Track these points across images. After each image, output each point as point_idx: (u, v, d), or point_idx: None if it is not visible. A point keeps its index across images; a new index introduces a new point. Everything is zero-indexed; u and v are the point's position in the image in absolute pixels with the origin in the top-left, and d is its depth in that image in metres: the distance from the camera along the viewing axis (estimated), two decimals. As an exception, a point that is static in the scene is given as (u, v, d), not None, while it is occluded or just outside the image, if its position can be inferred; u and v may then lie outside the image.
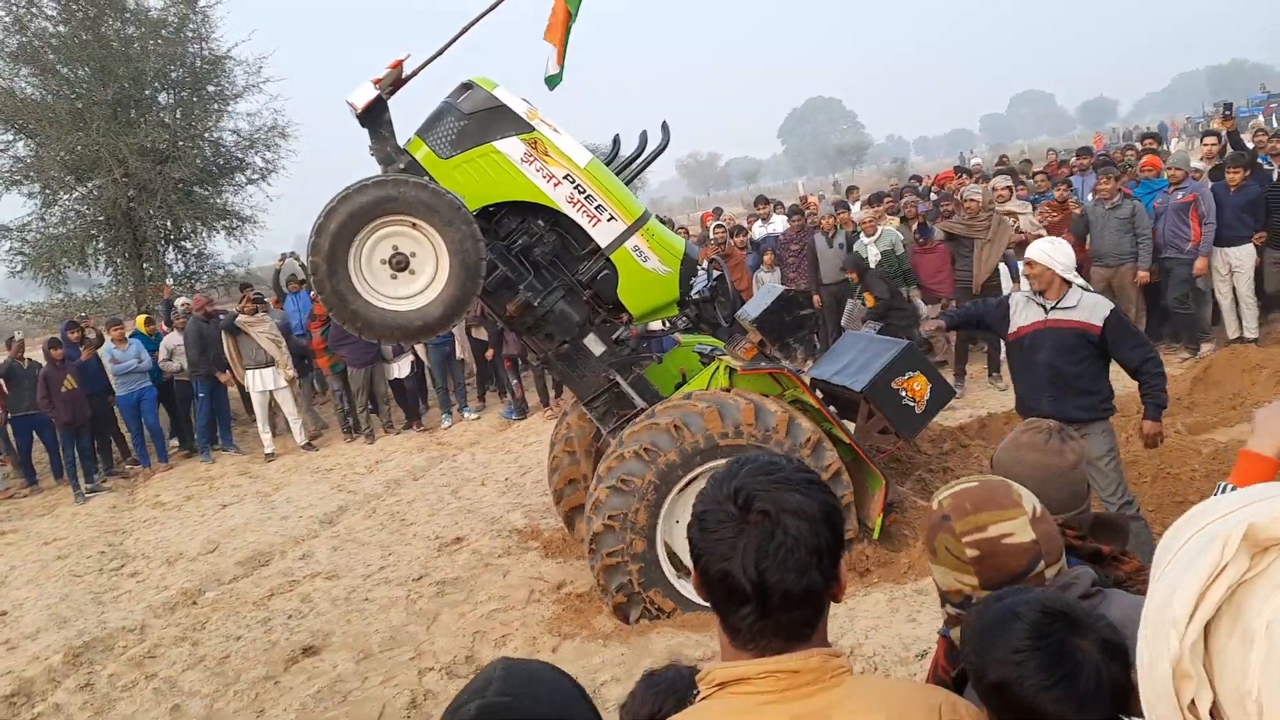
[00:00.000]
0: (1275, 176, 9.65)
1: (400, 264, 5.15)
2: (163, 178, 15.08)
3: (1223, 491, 2.05)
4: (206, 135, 16.45)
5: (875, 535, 5.75)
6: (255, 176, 16.81)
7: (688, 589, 5.32)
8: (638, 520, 5.26)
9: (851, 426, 6.15)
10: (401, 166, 5.36)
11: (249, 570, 7.70)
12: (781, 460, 1.33)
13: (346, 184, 5.14)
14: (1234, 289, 9.18)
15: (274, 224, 17.78)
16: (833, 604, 1.32)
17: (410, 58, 5.43)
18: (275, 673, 5.70)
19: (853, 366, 6.17)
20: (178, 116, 16.27)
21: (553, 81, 6.18)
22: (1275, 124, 28.24)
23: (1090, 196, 9.88)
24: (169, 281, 15.82)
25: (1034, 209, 10.30)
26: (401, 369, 11.58)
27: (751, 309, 5.99)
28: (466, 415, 11.84)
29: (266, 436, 11.55)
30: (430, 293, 5.18)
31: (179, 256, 17.18)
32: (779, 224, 11.79)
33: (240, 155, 16.85)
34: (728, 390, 5.59)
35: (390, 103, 5.41)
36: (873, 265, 10.06)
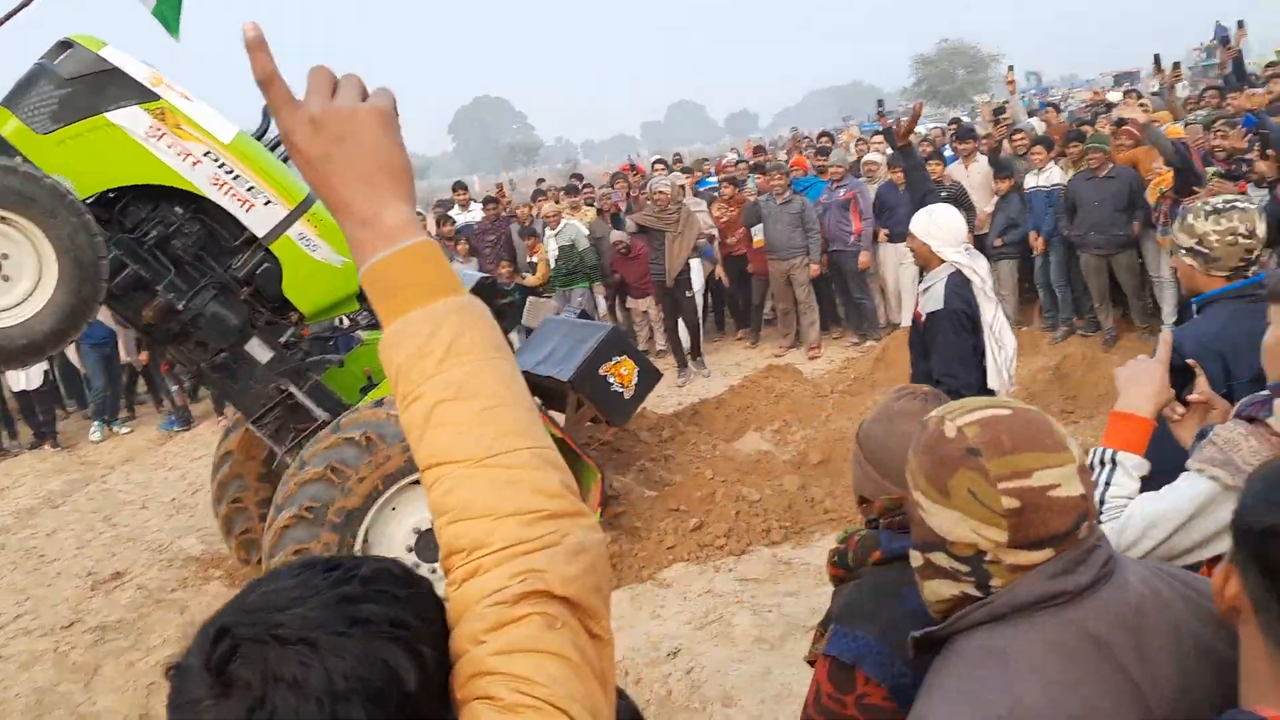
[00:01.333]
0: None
1: None
2: None
3: (1099, 457, 1.95)
4: None
5: None
6: None
7: None
8: (331, 552, 4.63)
9: (560, 418, 5.93)
10: None
11: None
12: (334, 573, 0.87)
13: None
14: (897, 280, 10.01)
15: None
16: None
17: None
18: None
19: (556, 355, 5.95)
20: None
21: (169, 20, 5.28)
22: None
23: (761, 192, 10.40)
24: None
25: (708, 206, 10.73)
26: (31, 379, 9.78)
27: None
28: (117, 430, 10.25)
29: None
30: (35, 302, 4.23)
31: None
32: (477, 213, 11.37)
33: None
34: None
35: None
36: (551, 260, 9.98)
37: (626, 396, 5.96)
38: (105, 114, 4.50)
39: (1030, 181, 8.70)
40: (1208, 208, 2.78)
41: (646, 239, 9.60)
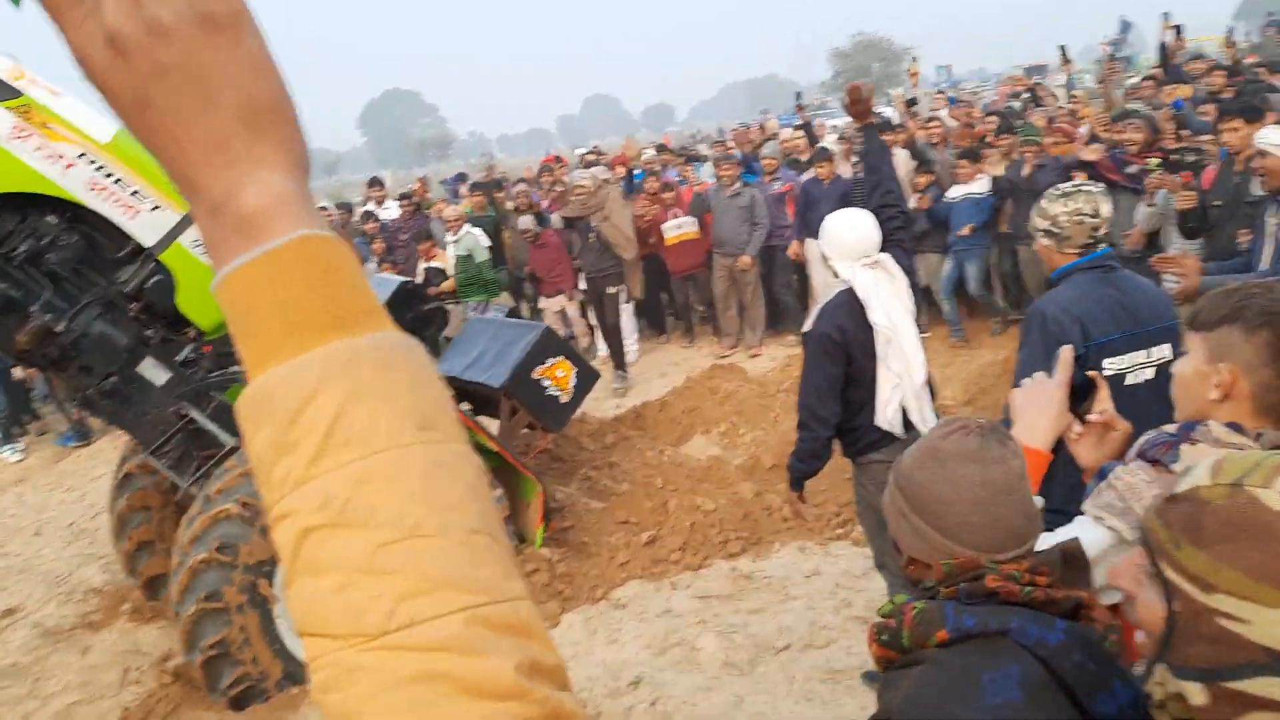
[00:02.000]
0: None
1: None
2: None
3: None
4: None
5: (537, 546, 5.22)
6: None
7: None
8: (247, 596, 4.16)
9: (494, 426, 5.56)
10: None
11: None
12: None
13: None
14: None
15: None
16: None
17: None
18: None
19: (485, 358, 5.58)
20: None
21: None
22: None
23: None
24: None
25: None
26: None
27: None
28: (6, 455, 9.41)
29: None
30: None
31: None
32: (393, 210, 10.85)
33: None
34: None
35: None
36: (450, 270, 9.32)
37: (563, 400, 5.66)
38: None
39: (956, 192, 8.45)
40: (1057, 192, 3.13)
41: (574, 234, 9.23)
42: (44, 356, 4.45)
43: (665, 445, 6.88)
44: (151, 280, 4.46)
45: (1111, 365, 2.97)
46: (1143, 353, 3.00)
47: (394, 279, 5.43)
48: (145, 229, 4.36)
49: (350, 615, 0.52)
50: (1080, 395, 1.88)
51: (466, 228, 9.52)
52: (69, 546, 6.82)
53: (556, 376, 5.59)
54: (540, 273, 9.65)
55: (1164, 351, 2.98)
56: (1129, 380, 2.97)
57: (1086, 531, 1.69)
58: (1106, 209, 3.10)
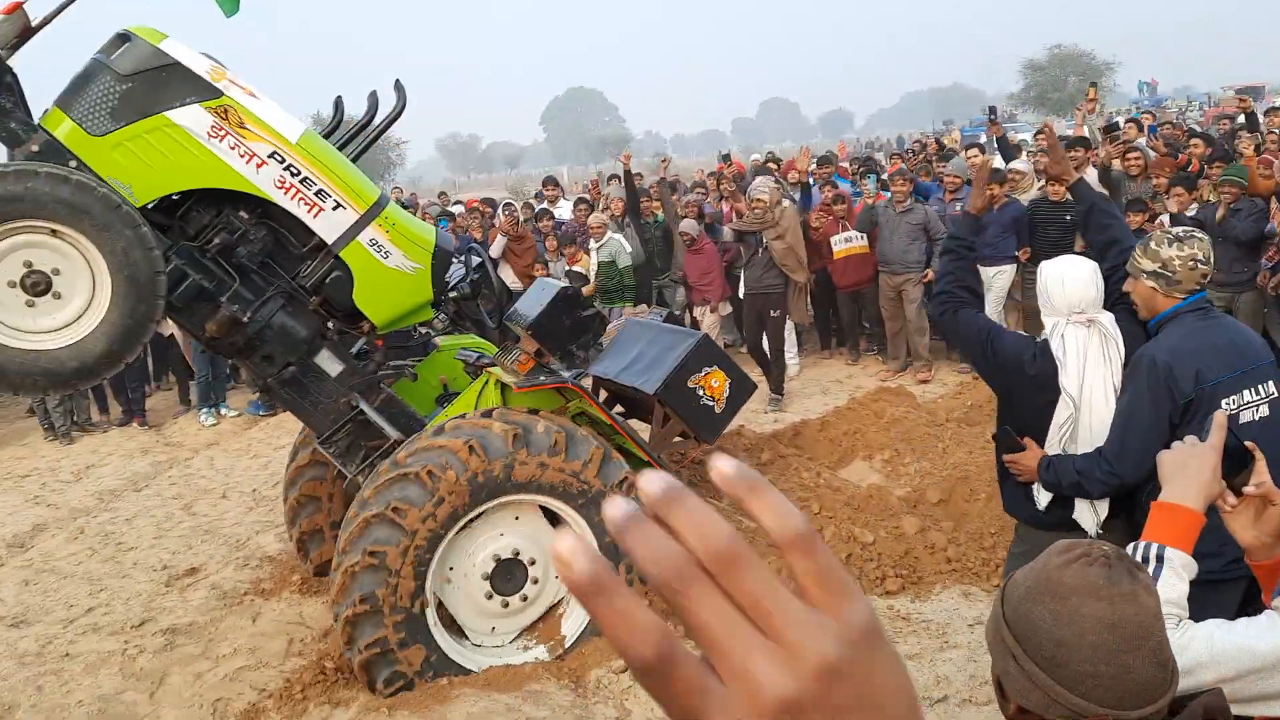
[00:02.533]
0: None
1: (39, 286, 3.88)
2: None
3: (1143, 553, 1.68)
4: None
5: None
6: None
7: (469, 656, 4.50)
8: (398, 599, 4.25)
9: (645, 431, 5.48)
10: (35, 149, 4.05)
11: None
12: None
13: None
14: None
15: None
16: None
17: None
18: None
19: (641, 362, 5.47)
20: None
21: (228, 4, 4.94)
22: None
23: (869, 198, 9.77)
24: None
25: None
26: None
27: (526, 309, 5.10)
28: (225, 413, 10.11)
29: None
30: (86, 322, 3.95)
31: None
32: (566, 209, 11.02)
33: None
34: (488, 413, 4.65)
35: (16, 63, 4.14)
36: (592, 276, 9.29)
37: (718, 411, 5.49)
38: (165, 113, 4.14)
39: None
40: (1170, 236, 3.15)
41: (741, 245, 9.10)
42: (230, 345, 4.67)
43: (823, 467, 6.68)
44: (331, 276, 4.61)
45: (1228, 405, 3.01)
46: (1250, 390, 3.07)
47: (555, 283, 5.44)
48: (327, 226, 4.49)
49: None
50: (1231, 463, 1.72)
51: (609, 233, 9.57)
52: (250, 512, 7.25)
53: (711, 386, 5.45)
54: (692, 279, 9.55)
55: (1270, 388, 3.06)
56: (1243, 419, 3.01)
57: (1276, 630, 1.60)
58: (1212, 254, 3.18)
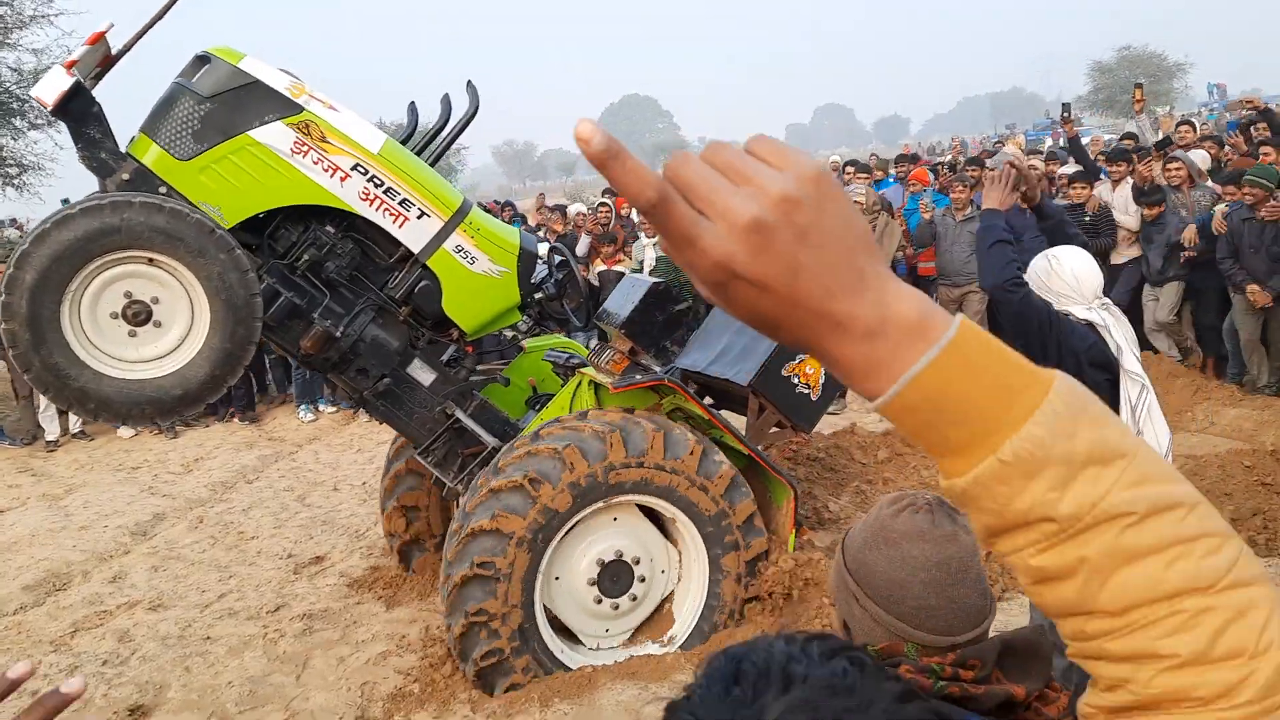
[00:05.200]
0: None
1: (139, 316, 3.94)
2: (-73, 110, 12.57)
3: None
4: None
5: (790, 549, 4.98)
6: (41, 121, 14.31)
7: (582, 661, 4.48)
8: (508, 609, 4.22)
9: (739, 423, 5.36)
10: (126, 177, 4.08)
11: (41, 597, 6.13)
12: (859, 663, 0.74)
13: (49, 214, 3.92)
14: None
15: (70, 173, 15.36)
16: None
17: (113, 28, 4.19)
18: (95, 745, 4.38)
19: (731, 353, 5.35)
20: (-54, 41, 13.70)
21: None
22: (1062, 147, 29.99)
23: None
24: None
25: None
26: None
27: (616, 307, 5.05)
28: (324, 408, 10.30)
29: (49, 416, 9.70)
30: (187, 349, 4.00)
31: (-62, 204, 14.54)
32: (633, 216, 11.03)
33: (22, 96, 14.29)
34: (583, 415, 4.63)
35: (101, 91, 4.18)
36: (648, 269, 9.12)
37: (813, 399, 5.35)
38: (248, 133, 4.15)
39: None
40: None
41: None
42: (325, 361, 4.66)
43: (943, 466, 6.60)
44: (419, 285, 4.58)
45: None
46: None
47: (645, 280, 5.37)
48: (413, 236, 4.48)
49: (1188, 576, 0.64)
50: None
51: None
52: (364, 504, 7.35)
53: (806, 374, 5.32)
54: None
55: None
56: None
57: None
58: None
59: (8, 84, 14.38)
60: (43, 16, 14.40)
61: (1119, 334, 3.37)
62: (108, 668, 5.08)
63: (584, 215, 11.13)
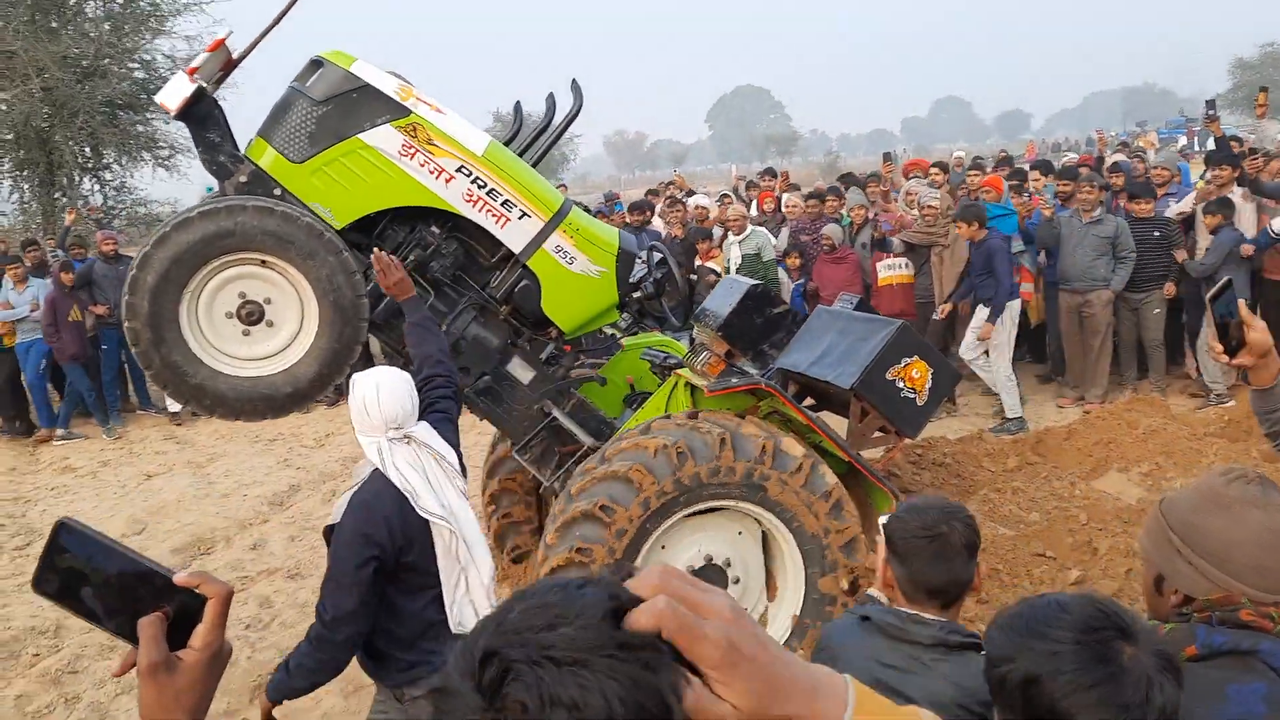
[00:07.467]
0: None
1: (253, 316, 4.05)
2: (86, 96, 13.33)
3: None
4: (137, 54, 14.70)
5: None
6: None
7: None
8: None
9: (841, 427, 5.19)
10: (243, 179, 4.20)
11: (187, 560, 6.50)
12: (588, 593, 0.76)
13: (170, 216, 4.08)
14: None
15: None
16: None
17: (232, 34, 4.29)
18: (239, 705, 4.63)
19: (833, 354, 5.11)
20: (106, 30, 14.50)
21: None
22: (1196, 146, 28.59)
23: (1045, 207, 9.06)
24: (79, 204, 14.01)
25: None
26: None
27: (715, 309, 4.97)
28: None
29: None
30: (297, 348, 4.10)
31: (96, 187, 15.41)
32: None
33: (175, 81, 15.11)
34: (694, 414, 4.56)
35: (222, 94, 4.30)
36: (733, 269, 8.88)
37: (919, 403, 5.09)
38: (359, 135, 4.21)
39: None
40: None
41: (912, 258, 8.75)
42: None
43: (1075, 477, 6.39)
44: (520, 285, 4.60)
45: None
46: None
47: (744, 281, 5.27)
48: (514, 236, 4.50)
49: None
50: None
51: (753, 227, 9.39)
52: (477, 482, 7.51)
53: (912, 377, 5.08)
54: (823, 290, 8.91)
55: None
56: None
57: None
58: None
59: (163, 70, 15.19)
60: (195, 5, 15.17)
61: (417, 472, 2.91)
62: (250, 631, 5.34)
63: (703, 209, 11.11)
